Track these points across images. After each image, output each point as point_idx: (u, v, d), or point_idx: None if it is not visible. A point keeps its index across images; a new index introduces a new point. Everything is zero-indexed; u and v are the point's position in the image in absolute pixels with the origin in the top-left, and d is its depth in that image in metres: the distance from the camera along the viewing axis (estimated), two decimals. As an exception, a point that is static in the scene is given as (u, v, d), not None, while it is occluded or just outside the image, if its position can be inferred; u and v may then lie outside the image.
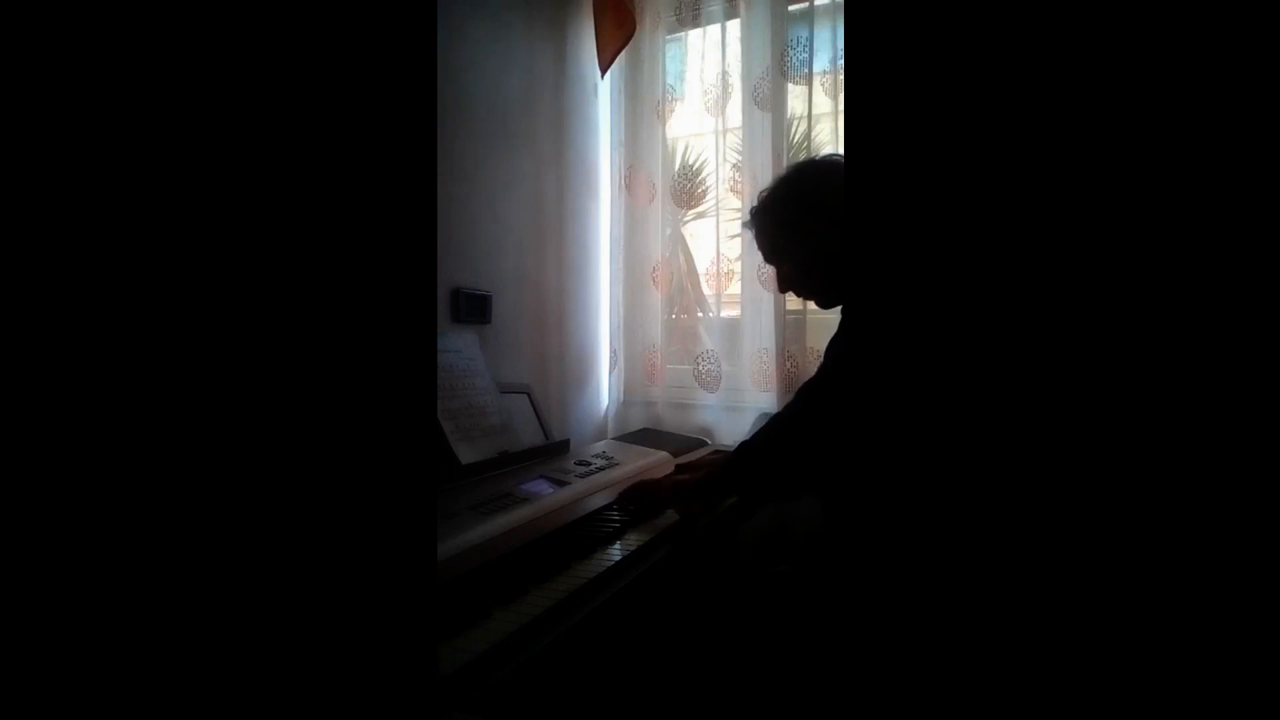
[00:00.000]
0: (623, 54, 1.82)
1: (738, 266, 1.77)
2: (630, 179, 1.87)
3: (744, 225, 1.17)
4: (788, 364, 1.66)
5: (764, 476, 1.07)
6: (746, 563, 1.20)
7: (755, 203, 1.10)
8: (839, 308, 1.09)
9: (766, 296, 1.68)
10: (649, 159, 1.85)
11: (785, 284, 1.13)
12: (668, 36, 1.85)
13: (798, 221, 1.02)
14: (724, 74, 1.76)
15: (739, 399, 1.75)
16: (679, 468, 1.24)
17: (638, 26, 1.80)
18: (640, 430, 1.78)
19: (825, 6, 1.64)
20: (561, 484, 1.19)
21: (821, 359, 1.61)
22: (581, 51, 1.88)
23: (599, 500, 1.15)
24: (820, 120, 1.64)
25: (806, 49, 1.64)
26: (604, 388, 1.97)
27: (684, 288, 1.87)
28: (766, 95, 1.68)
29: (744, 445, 1.11)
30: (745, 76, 1.71)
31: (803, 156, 1.67)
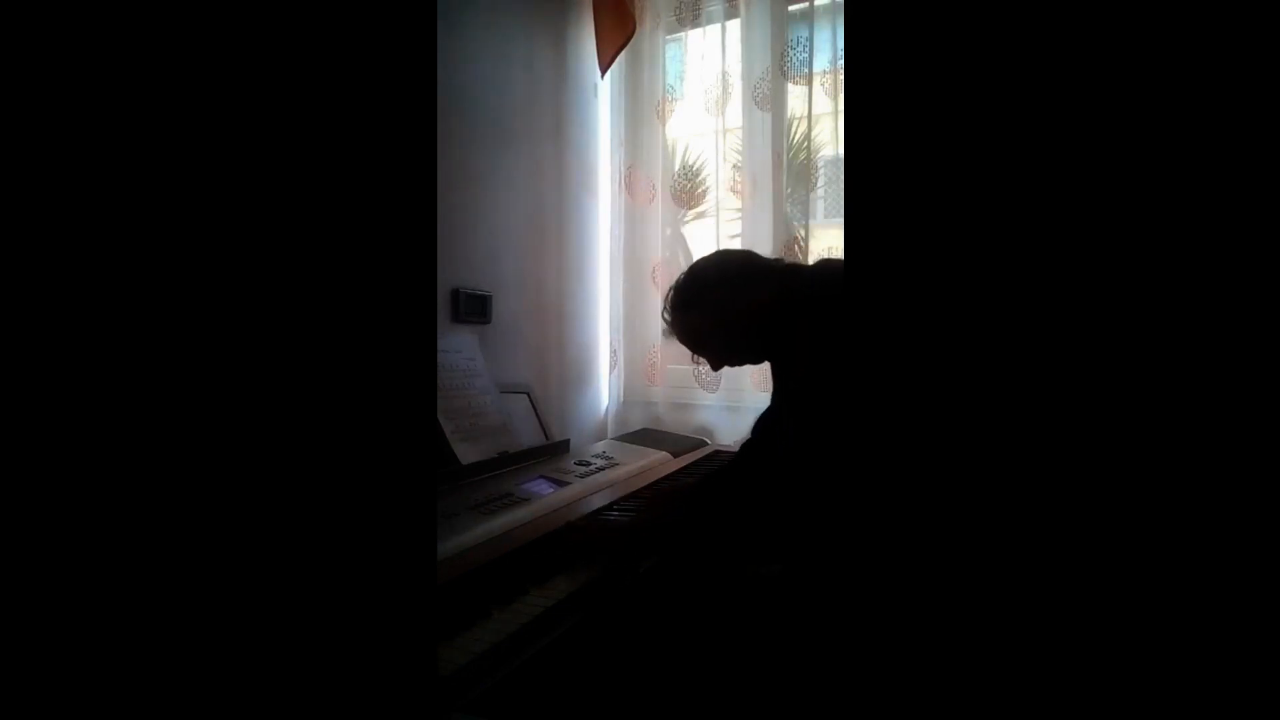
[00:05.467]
0: (623, 54, 1.82)
1: (738, 267, 1.76)
2: (630, 179, 1.87)
3: (664, 335, 1.23)
4: (788, 364, 1.66)
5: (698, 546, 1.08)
6: (740, 563, 1.20)
7: (666, 310, 1.16)
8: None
9: (766, 296, 1.68)
10: (649, 159, 1.86)
11: (718, 363, 1.17)
12: (668, 36, 1.85)
13: (708, 312, 1.09)
14: (724, 74, 1.76)
15: (739, 399, 1.75)
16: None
17: (638, 26, 1.80)
18: (640, 430, 1.78)
19: (825, 6, 1.64)
20: (561, 484, 1.19)
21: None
22: (581, 51, 1.88)
23: (599, 500, 1.15)
24: (820, 120, 1.64)
25: (806, 49, 1.64)
26: (604, 388, 1.97)
27: (684, 288, 1.87)
28: (766, 95, 1.69)
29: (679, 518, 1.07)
30: (745, 76, 1.71)
31: (802, 157, 1.68)
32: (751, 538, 1.14)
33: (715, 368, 1.18)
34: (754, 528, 1.08)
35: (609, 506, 1.13)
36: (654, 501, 1.19)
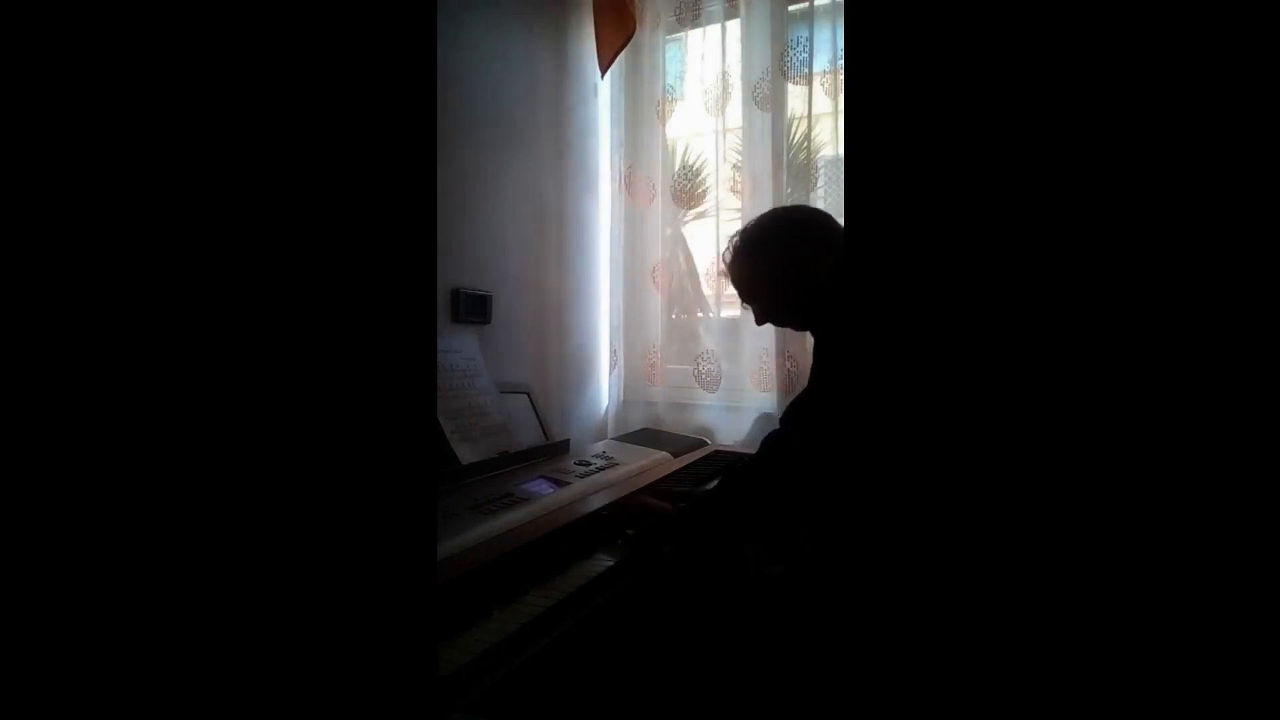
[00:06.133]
0: (623, 54, 1.81)
1: (738, 267, 1.77)
2: (630, 179, 1.87)
3: (721, 275, 1.26)
4: (788, 364, 1.66)
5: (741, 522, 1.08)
6: (742, 562, 1.20)
7: (728, 252, 1.17)
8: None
9: (766, 296, 1.68)
10: (649, 159, 1.85)
11: (764, 317, 1.17)
12: (668, 36, 1.85)
13: (775, 260, 1.09)
14: (724, 74, 1.76)
15: (739, 399, 1.75)
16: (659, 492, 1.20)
17: (638, 26, 1.80)
18: (640, 430, 1.78)
19: (825, 6, 1.64)
20: (561, 484, 1.19)
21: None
22: (581, 51, 1.88)
23: (599, 500, 1.15)
24: (820, 120, 1.64)
25: (806, 49, 1.64)
26: (604, 388, 1.97)
27: (684, 288, 1.87)
28: (766, 95, 1.68)
29: (723, 489, 1.09)
30: (745, 76, 1.71)
31: (802, 157, 1.68)
32: (764, 531, 1.13)
33: (759, 322, 1.18)
34: (767, 521, 1.08)
35: (607, 508, 1.13)
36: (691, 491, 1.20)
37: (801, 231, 1.08)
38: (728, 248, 1.16)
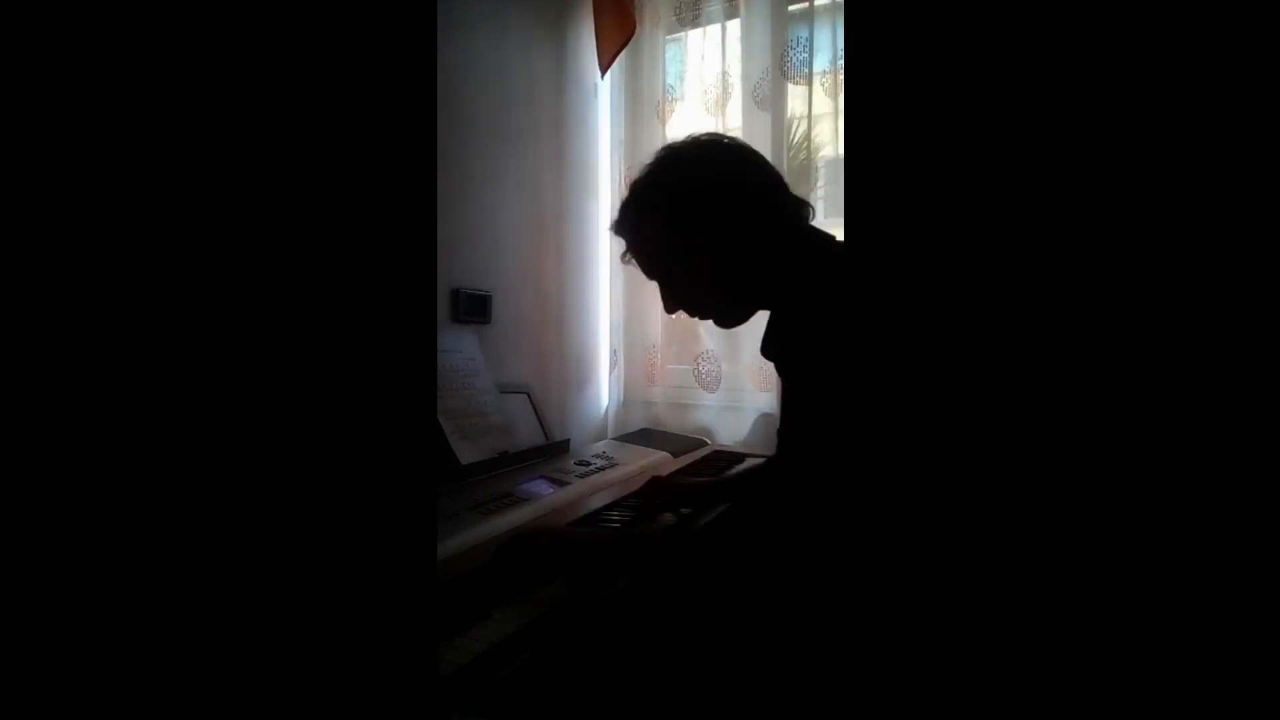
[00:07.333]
0: (623, 54, 1.81)
1: (738, 267, 1.77)
2: (630, 179, 1.87)
3: (611, 230, 0.94)
4: (788, 364, 1.66)
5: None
6: (739, 568, 1.20)
7: (624, 199, 0.88)
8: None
9: (766, 296, 1.68)
10: (649, 159, 1.85)
11: (675, 301, 0.90)
12: (668, 36, 1.85)
13: (689, 217, 0.81)
14: (724, 74, 1.76)
15: (739, 399, 1.75)
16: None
17: (638, 26, 1.80)
18: (640, 430, 1.78)
19: (825, 6, 1.64)
20: (561, 484, 1.19)
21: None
22: (581, 51, 1.88)
23: (599, 500, 1.15)
24: (820, 120, 1.64)
25: (806, 49, 1.64)
26: (604, 388, 1.97)
27: (684, 288, 1.87)
28: (766, 95, 1.68)
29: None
30: (745, 76, 1.71)
31: (802, 157, 1.68)
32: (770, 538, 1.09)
33: (670, 309, 0.90)
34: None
35: (610, 506, 1.13)
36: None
37: (742, 166, 0.80)
38: (625, 198, 0.87)
